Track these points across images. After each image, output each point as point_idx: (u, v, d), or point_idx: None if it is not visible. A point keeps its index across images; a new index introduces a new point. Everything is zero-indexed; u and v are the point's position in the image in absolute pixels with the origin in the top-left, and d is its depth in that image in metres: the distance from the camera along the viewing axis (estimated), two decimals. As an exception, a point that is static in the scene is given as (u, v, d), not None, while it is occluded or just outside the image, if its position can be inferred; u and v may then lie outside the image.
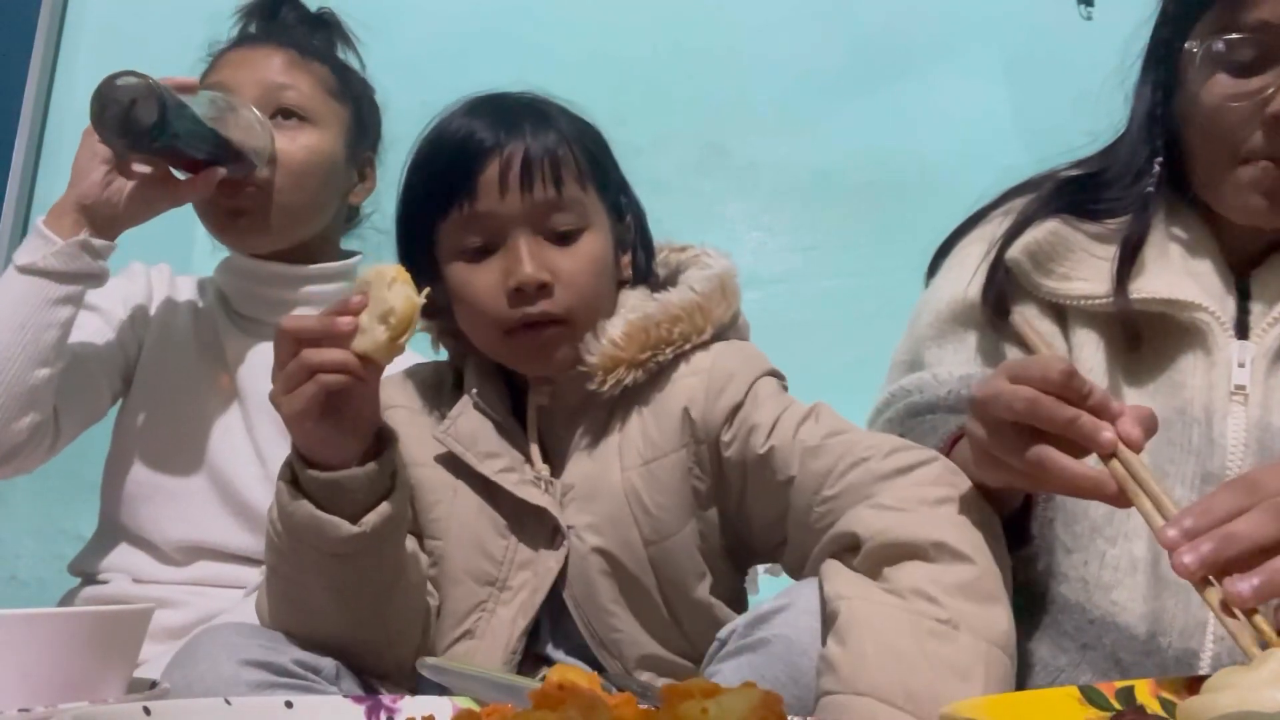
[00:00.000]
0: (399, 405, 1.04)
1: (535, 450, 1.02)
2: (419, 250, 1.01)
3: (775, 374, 1.01)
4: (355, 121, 1.36)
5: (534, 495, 0.98)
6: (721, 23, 1.89)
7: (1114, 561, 0.93)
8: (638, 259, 1.06)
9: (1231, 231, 0.99)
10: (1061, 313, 1.01)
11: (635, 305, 1.00)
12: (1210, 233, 0.99)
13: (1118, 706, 0.67)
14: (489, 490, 1.00)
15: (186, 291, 1.37)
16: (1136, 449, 0.75)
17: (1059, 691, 0.70)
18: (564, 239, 0.97)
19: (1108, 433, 0.75)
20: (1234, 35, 0.91)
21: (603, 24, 1.90)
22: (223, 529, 1.24)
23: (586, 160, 0.99)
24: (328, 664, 0.88)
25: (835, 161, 1.79)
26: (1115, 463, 0.75)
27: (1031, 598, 0.96)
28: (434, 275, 0.98)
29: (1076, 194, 1.03)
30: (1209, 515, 0.69)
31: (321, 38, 1.39)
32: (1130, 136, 1.04)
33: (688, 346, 1.00)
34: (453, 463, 1.01)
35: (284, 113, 1.28)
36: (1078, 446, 0.76)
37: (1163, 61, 1.00)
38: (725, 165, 1.85)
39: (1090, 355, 0.98)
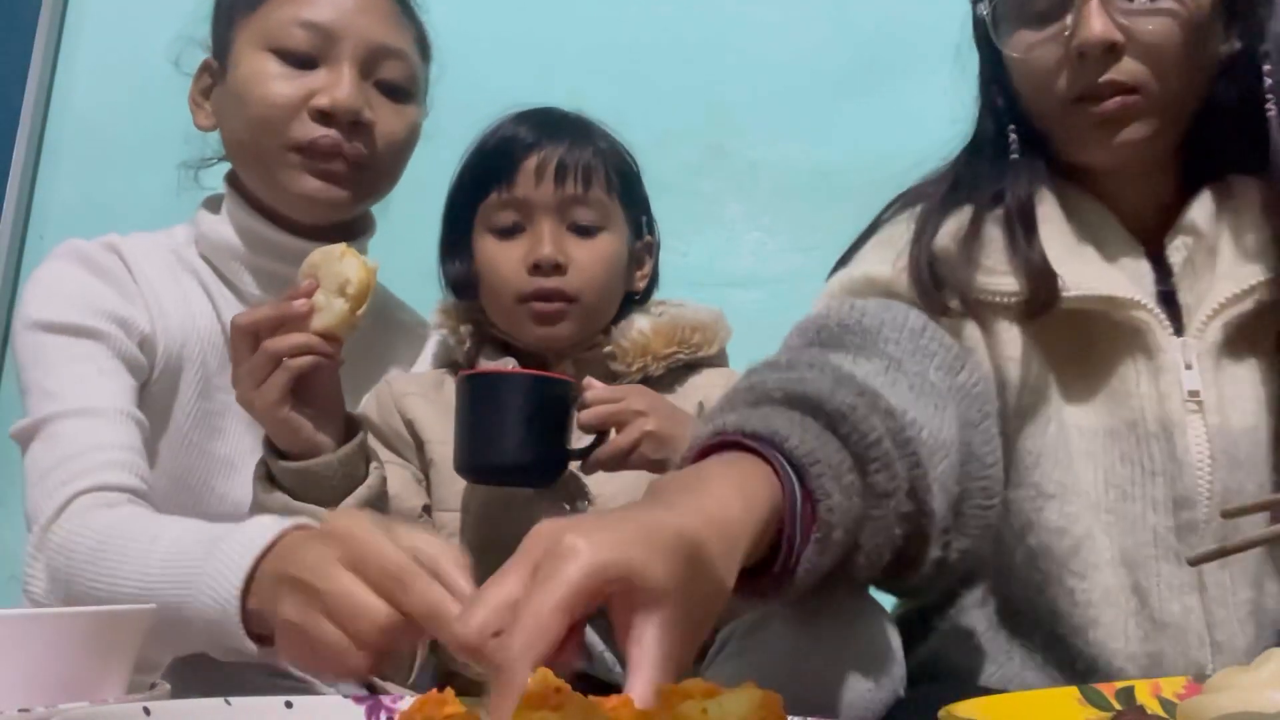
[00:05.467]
0: (411, 393, 1.09)
1: None
2: (459, 230, 1.12)
3: None
4: (427, 81, 1.20)
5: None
6: (722, 22, 1.89)
7: (1084, 597, 0.88)
8: (654, 276, 1.18)
9: (1124, 199, 0.94)
10: (979, 308, 0.93)
11: (640, 319, 1.12)
12: (1105, 207, 0.94)
13: (1118, 706, 0.67)
14: None
15: (177, 275, 1.13)
16: None
17: (1059, 691, 0.70)
18: (584, 232, 1.08)
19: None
20: None
21: (603, 24, 1.90)
22: None
23: (615, 173, 1.11)
24: (325, 667, 0.88)
25: (835, 161, 1.79)
26: None
27: (1016, 636, 0.93)
28: (469, 254, 1.11)
29: (972, 182, 0.97)
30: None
31: None
32: (981, 117, 1.00)
33: (700, 355, 1.11)
34: None
35: (387, 87, 1.11)
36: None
37: (983, 35, 0.96)
38: (725, 165, 1.84)
39: (1016, 358, 0.91)
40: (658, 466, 0.95)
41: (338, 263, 0.88)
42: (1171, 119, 0.90)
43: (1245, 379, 0.89)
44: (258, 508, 0.88)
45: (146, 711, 0.56)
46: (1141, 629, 0.87)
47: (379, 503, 0.91)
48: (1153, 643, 0.87)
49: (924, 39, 1.81)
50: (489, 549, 1.01)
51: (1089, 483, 0.89)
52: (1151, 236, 0.93)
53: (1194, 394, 0.87)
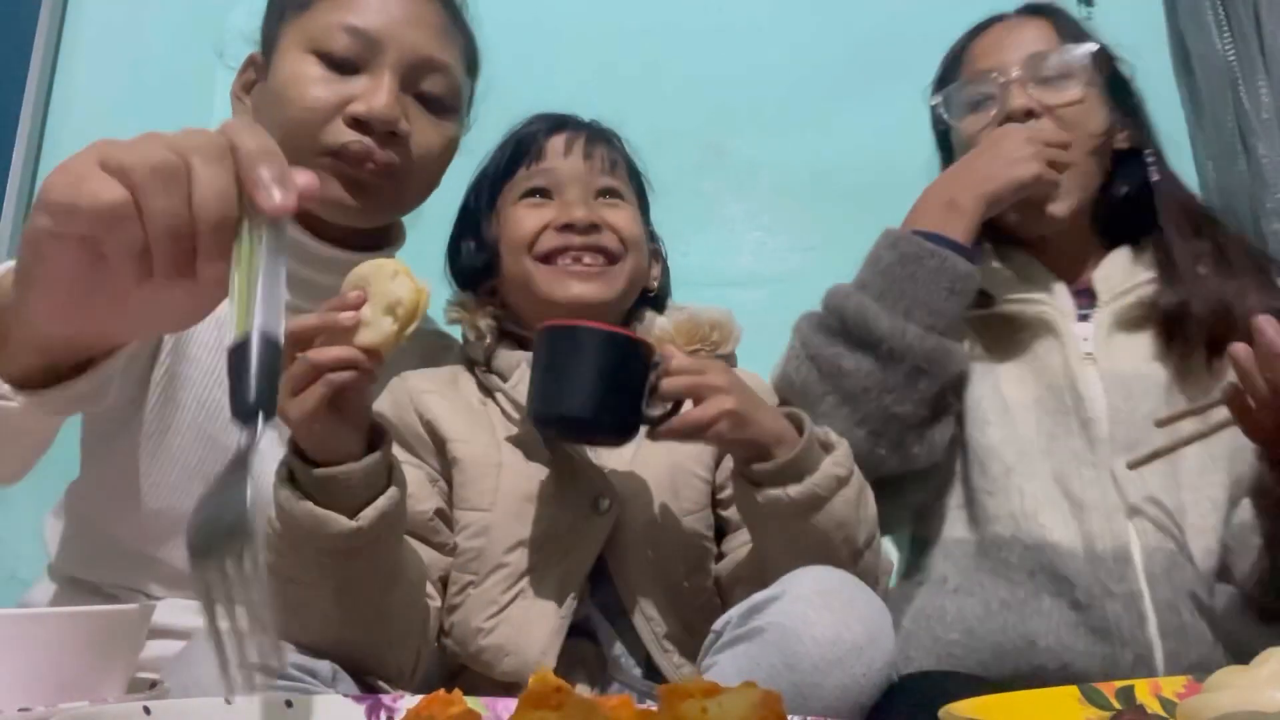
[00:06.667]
0: (429, 390, 1.09)
1: None
2: (483, 210, 1.14)
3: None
4: (471, 97, 1.19)
5: (591, 456, 1.04)
6: (721, 22, 1.89)
7: (1034, 494, 1.12)
8: (663, 279, 1.19)
9: (1053, 255, 1.23)
10: None
11: (659, 318, 1.14)
12: (1033, 257, 1.24)
13: (1118, 706, 0.67)
14: (534, 459, 1.05)
15: None
16: None
17: (1059, 691, 0.70)
18: (612, 203, 1.11)
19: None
20: (967, 84, 1.24)
21: (602, 24, 1.90)
22: None
23: (631, 171, 1.16)
24: (324, 667, 0.87)
25: (835, 161, 1.79)
26: None
27: (974, 548, 1.14)
28: (488, 236, 1.12)
29: None
30: None
31: None
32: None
33: (719, 353, 1.12)
34: (494, 436, 1.06)
35: (427, 100, 1.10)
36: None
37: (939, 125, 1.31)
38: (725, 165, 1.85)
39: (976, 357, 1.20)
40: (731, 445, 0.95)
41: (389, 280, 0.84)
42: (1083, 190, 1.20)
43: (1130, 345, 1.19)
44: (280, 512, 0.87)
45: (147, 711, 0.56)
46: (1076, 518, 1.10)
47: (398, 512, 0.90)
48: (1084, 524, 1.10)
49: (923, 39, 1.81)
50: (518, 544, 1.02)
51: (1026, 430, 1.16)
52: (1080, 275, 1.24)
53: (1089, 354, 1.18)
